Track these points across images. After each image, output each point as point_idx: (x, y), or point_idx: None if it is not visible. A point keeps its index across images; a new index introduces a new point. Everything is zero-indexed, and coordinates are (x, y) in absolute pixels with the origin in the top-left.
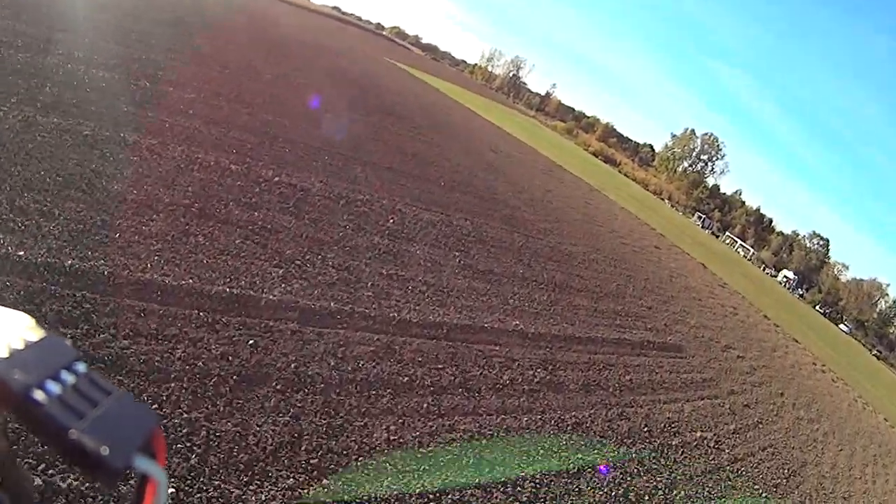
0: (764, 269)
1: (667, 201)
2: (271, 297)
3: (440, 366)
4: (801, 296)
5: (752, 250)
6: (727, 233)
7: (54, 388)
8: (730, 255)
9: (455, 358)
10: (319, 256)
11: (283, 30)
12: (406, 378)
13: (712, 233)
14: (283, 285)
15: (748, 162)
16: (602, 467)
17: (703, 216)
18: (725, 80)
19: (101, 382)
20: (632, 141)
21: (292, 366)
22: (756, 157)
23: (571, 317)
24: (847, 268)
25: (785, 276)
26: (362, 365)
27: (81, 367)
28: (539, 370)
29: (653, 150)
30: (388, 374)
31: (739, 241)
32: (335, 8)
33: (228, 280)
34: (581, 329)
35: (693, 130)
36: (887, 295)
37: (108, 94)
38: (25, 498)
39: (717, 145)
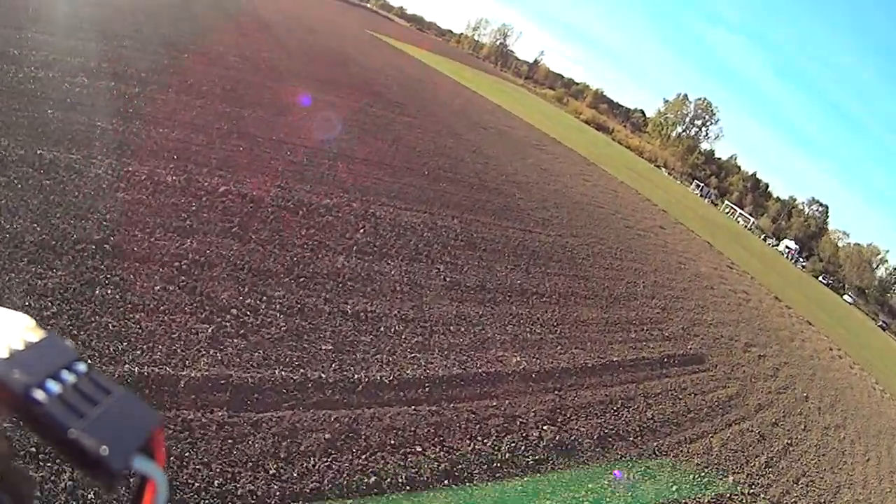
0: (765, 240)
1: (663, 169)
2: (194, 373)
3: (419, 447)
4: (803, 266)
5: (752, 219)
6: (726, 202)
7: (54, 387)
8: (732, 227)
9: (439, 431)
10: (265, 298)
11: (253, 6)
12: (373, 478)
13: (711, 201)
14: (211, 351)
15: (742, 126)
16: (617, 472)
17: (701, 184)
18: (716, 43)
19: (102, 382)
20: (623, 107)
21: (215, 483)
22: (750, 122)
23: (580, 337)
24: (847, 235)
25: (786, 247)
26: (314, 466)
27: (82, 366)
28: (546, 426)
29: (644, 115)
30: (348, 474)
31: (739, 211)
32: None
33: (138, 353)
34: (593, 353)
35: (686, 95)
36: (886, 261)
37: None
38: (26, 498)
39: (711, 110)
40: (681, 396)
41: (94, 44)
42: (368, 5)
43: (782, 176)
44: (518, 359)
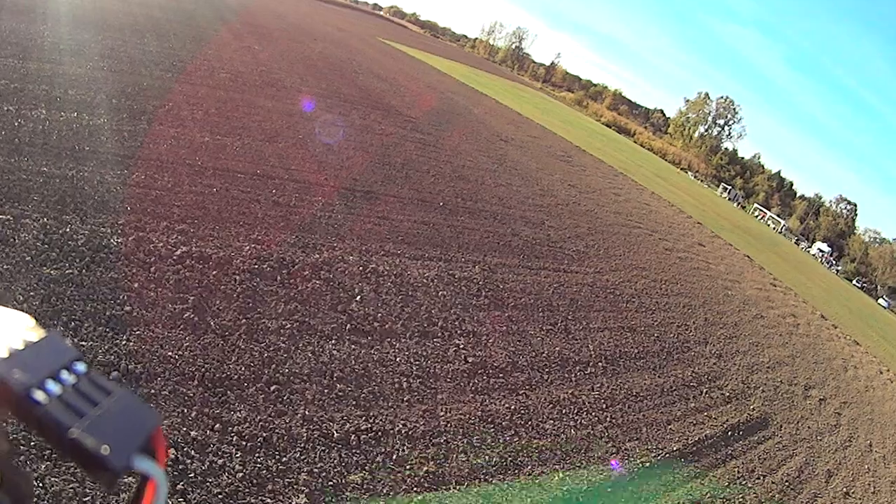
0: (797, 243)
1: (689, 173)
2: None
3: None
4: (837, 269)
5: (782, 222)
6: (755, 204)
7: (54, 387)
8: (765, 233)
9: None
10: (218, 425)
11: (255, 15)
12: None
13: (739, 204)
14: None
15: (762, 123)
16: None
17: (728, 187)
18: (729, 37)
19: (102, 382)
20: (642, 107)
21: None
22: (769, 118)
23: (634, 422)
24: (878, 234)
25: (819, 249)
26: None
27: (82, 366)
28: None
29: (664, 115)
30: None
31: (768, 213)
32: None
33: None
34: (650, 445)
35: (707, 94)
36: None
37: None
38: (26, 498)
39: (734, 108)
40: (750, 484)
41: (65, 67)
42: (381, 13)
43: (805, 172)
44: (560, 475)
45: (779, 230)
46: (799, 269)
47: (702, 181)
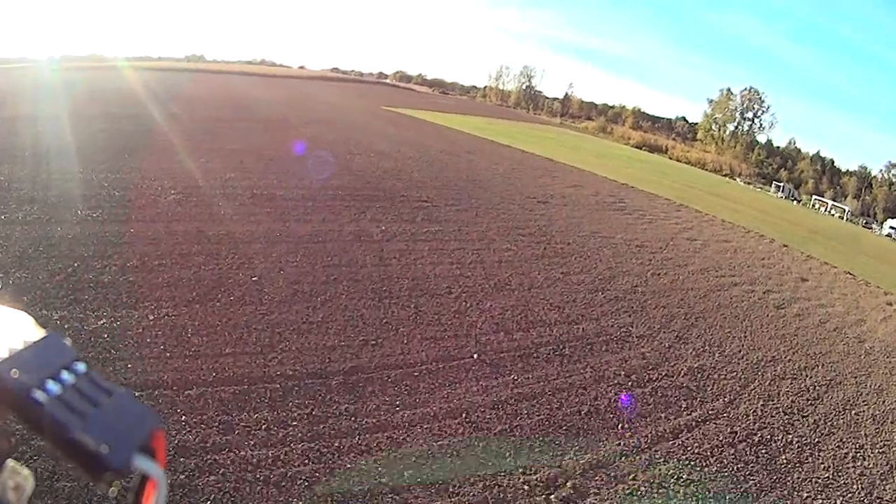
0: (868, 226)
1: (738, 179)
2: None
3: None
4: None
5: (845, 208)
6: (814, 198)
7: (54, 387)
8: (840, 229)
9: None
10: None
11: (250, 106)
12: None
13: (797, 200)
14: None
15: (786, 107)
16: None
17: (781, 184)
18: (732, 30)
19: (102, 382)
20: (663, 119)
21: None
22: (791, 100)
23: None
24: None
25: (891, 227)
26: None
27: (81, 366)
28: None
29: (687, 122)
30: None
31: (831, 203)
32: (334, 69)
33: None
34: None
35: (729, 89)
36: None
37: None
38: (25, 497)
39: (759, 98)
40: None
41: None
42: (387, 80)
43: (841, 146)
44: None
45: (844, 217)
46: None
47: (751, 184)
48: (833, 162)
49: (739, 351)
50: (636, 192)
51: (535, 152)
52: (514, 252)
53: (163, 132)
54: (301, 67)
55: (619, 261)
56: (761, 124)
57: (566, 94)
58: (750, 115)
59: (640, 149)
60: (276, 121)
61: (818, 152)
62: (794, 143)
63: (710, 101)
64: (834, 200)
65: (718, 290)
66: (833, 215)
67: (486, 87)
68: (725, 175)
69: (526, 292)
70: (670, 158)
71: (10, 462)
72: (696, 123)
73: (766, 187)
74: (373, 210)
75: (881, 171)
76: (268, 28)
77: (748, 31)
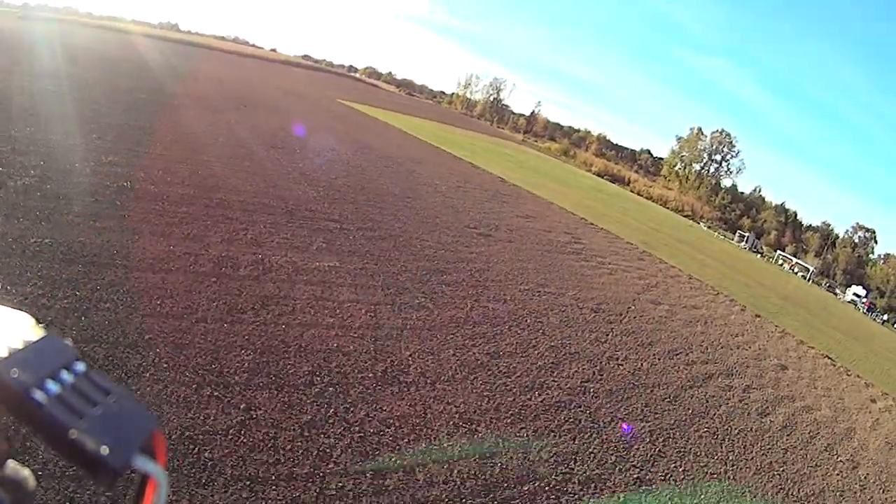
0: (831, 290)
1: (702, 223)
2: None
3: None
4: (884, 320)
5: (810, 268)
6: (778, 252)
7: (54, 387)
8: (810, 295)
9: None
10: None
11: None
12: None
13: (756, 251)
14: None
15: (751, 154)
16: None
17: (746, 235)
18: (704, 72)
19: (101, 382)
20: (626, 149)
21: None
22: (756, 147)
23: None
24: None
25: (855, 294)
26: None
27: (81, 366)
28: None
29: (651, 155)
30: None
31: (795, 260)
32: (305, 56)
33: None
34: None
35: (700, 129)
36: None
37: None
38: (25, 498)
39: (730, 141)
40: None
41: None
42: (357, 74)
43: (805, 200)
44: None
45: (808, 278)
46: (871, 346)
47: (714, 230)
48: (796, 215)
49: (719, 501)
50: (595, 230)
51: (490, 170)
52: (427, 313)
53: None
54: (273, 50)
55: (569, 333)
56: (728, 168)
57: (533, 111)
58: (718, 157)
59: (601, 177)
60: (196, 98)
61: (783, 203)
62: (759, 192)
63: (679, 139)
64: (796, 256)
65: (691, 386)
66: (796, 273)
67: (453, 94)
68: (687, 215)
69: (426, 390)
70: (631, 192)
71: (11, 462)
72: (660, 158)
73: (729, 235)
74: (259, 227)
75: (847, 231)
76: (247, 6)
77: (720, 73)
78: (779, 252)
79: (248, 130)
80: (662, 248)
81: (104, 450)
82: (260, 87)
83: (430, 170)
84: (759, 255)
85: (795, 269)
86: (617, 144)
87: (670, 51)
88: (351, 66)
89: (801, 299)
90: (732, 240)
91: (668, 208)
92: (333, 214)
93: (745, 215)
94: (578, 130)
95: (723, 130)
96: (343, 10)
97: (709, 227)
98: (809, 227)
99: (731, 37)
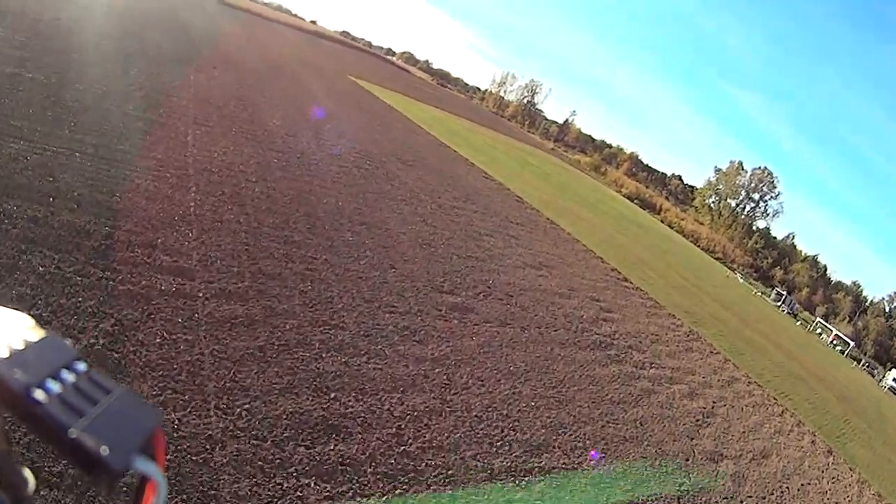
0: (870, 371)
1: (737, 274)
2: None
3: None
4: None
5: (850, 342)
6: (817, 321)
7: (54, 386)
8: (863, 393)
9: None
10: None
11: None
12: None
13: (793, 313)
14: None
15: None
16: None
17: (784, 294)
18: (739, 103)
19: (102, 381)
20: (658, 172)
21: None
22: (786, 190)
23: None
24: None
25: (895, 380)
26: None
27: (81, 365)
28: None
29: (682, 182)
30: None
31: (834, 331)
32: (343, 32)
33: None
34: None
35: (741, 163)
36: None
37: None
38: (25, 498)
39: (772, 181)
40: None
41: None
42: (394, 58)
43: (829, 251)
44: None
45: (846, 352)
46: None
47: (750, 284)
48: (825, 270)
49: None
50: (629, 291)
51: (507, 184)
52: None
53: None
54: (313, 22)
55: None
56: (765, 209)
57: (567, 119)
58: (756, 196)
59: (632, 200)
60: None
61: (815, 256)
62: (793, 239)
63: (718, 170)
64: (827, 319)
65: None
66: (835, 347)
67: (486, 91)
68: (718, 257)
69: None
70: (662, 222)
71: (11, 462)
72: (691, 186)
73: (763, 289)
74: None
75: (884, 299)
76: None
77: (758, 108)
78: (818, 320)
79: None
80: (710, 324)
81: (104, 450)
82: (271, 55)
83: (427, 179)
84: (795, 318)
85: (835, 344)
86: (648, 166)
87: (712, 79)
88: (389, 49)
89: (857, 399)
90: (768, 297)
91: (699, 246)
92: (185, 252)
93: (777, 265)
94: (611, 146)
95: (765, 168)
96: None
97: (744, 280)
98: (839, 285)
99: (773, 73)
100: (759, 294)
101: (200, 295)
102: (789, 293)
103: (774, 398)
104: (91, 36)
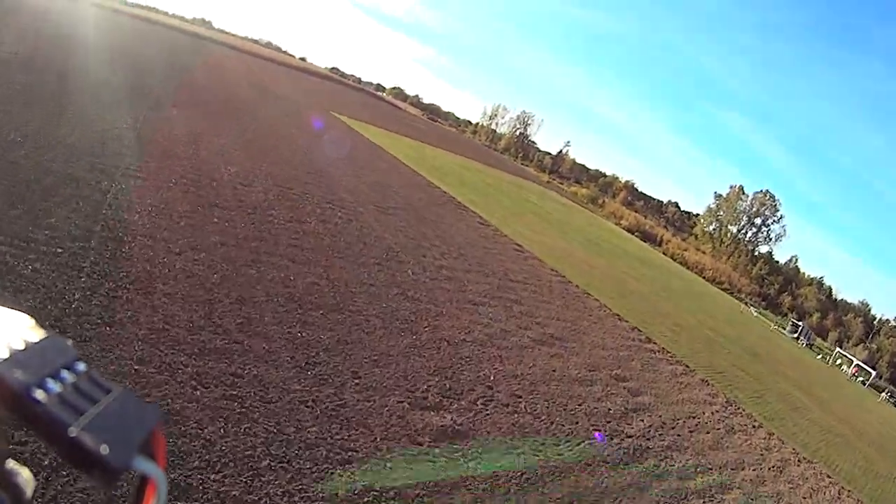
0: (892, 400)
1: (751, 309)
2: None
3: None
4: None
5: (872, 372)
6: (837, 351)
7: (54, 386)
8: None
9: None
10: None
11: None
12: None
13: (809, 344)
14: None
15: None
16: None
17: (800, 325)
18: (729, 126)
19: (102, 381)
20: (654, 199)
21: None
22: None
23: None
24: None
25: None
26: None
27: (81, 365)
28: None
29: (679, 209)
30: None
31: (854, 361)
32: (333, 69)
33: None
34: None
35: (742, 188)
36: None
37: None
38: (25, 499)
39: (774, 204)
40: None
41: None
42: (383, 94)
43: (831, 272)
44: None
45: (867, 383)
46: None
47: (764, 316)
48: (831, 291)
49: None
50: (656, 356)
51: (504, 229)
52: None
53: None
54: (302, 59)
55: None
56: (768, 234)
57: (560, 151)
58: (758, 220)
59: (633, 233)
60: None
61: (821, 279)
62: (796, 262)
63: (718, 196)
64: (840, 345)
65: None
66: (857, 379)
67: (477, 123)
68: (725, 289)
69: None
70: (665, 254)
71: (10, 462)
72: (687, 212)
73: (781, 322)
74: None
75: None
76: (282, 13)
77: (745, 130)
78: (837, 350)
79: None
80: (744, 384)
81: (104, 449)
82: (232, 86)
83: (405, 229)
84: (812, 349)
85: (857, 375)
86: (644, 193)
87: (700, 103)
88: (379, 85)
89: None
90: (784, 329)
91: (704, 278)
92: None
93: (784, 290)
94: (605, 175)
95: (766, 192)
96: (371, 30)
97: (757, 313)
98: (847, 307)
99: (759, 94)
100: (776, 328)
101: None
102: (801, 319)
103: (827, 475)
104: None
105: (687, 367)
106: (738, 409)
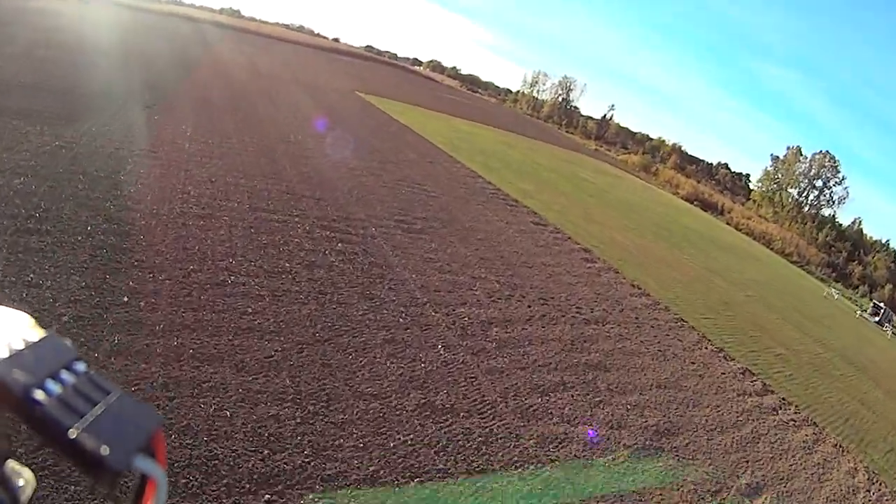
0: None
1: (833, 291)
2: None
3: None
4: None
5: None
6: None
7: (54, 387)
8: None
9: None
10: None
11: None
12: None
13: (892, 326)
14: None
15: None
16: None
17: (881, 308)
18: (774, 81)
19: (101, 382)
20: (703, 161)
21: None
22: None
23: None
24: None
25: None
26: None
27: (81, 366)
28: None
29: (729, 170)
30: None
31: None
32: (367, 47)
33: None
34: None
35: (800, 149)
36: None
37: None
38: (24, 498)
39: (835, 165)
40: None
41: None
42: (419, 68)
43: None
44: None
45: None
46: None
47: (846, 298)
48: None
49: None
50: (781, 422)
51: (564, 227)
52: None
53: None
54: (335, 40)
55: None
56: (830, 196)
57: (605, 115)
58: (819, 183)
59: (692, 203)
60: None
61: (888, 243)
62: (860, 225)
63: (774, 158)
64: None
65: None
66: None
67: (518, 92)
68: (795, 261)
69: None
70: (728, 224)
71: (11, 462)
72: (739, 174)
73: (863, 304)
74: None
75: None
76: None
77: (793, 85)
78: None
79: None
80: (870, 433)
81: (104, 450)
82: (251, 76)
83: (434, 259)
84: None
85: None
86: (693, 157)
87: (744, 60)
88: (415, 59)
89: None
90: (866, 314)
91: (771, 249)
92: None
93: (852, 258)
94: (651, 138)
95: (826, 152)
96: (405, 3)
97: (839, 295)
98: None
99: (806, 48)
100: (860, 314)
101: None
102: (873, 291)
103: None
104: None
105: (817, 431)
106: (880, 487)
